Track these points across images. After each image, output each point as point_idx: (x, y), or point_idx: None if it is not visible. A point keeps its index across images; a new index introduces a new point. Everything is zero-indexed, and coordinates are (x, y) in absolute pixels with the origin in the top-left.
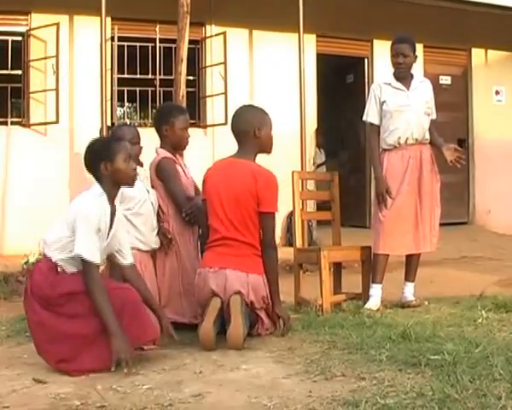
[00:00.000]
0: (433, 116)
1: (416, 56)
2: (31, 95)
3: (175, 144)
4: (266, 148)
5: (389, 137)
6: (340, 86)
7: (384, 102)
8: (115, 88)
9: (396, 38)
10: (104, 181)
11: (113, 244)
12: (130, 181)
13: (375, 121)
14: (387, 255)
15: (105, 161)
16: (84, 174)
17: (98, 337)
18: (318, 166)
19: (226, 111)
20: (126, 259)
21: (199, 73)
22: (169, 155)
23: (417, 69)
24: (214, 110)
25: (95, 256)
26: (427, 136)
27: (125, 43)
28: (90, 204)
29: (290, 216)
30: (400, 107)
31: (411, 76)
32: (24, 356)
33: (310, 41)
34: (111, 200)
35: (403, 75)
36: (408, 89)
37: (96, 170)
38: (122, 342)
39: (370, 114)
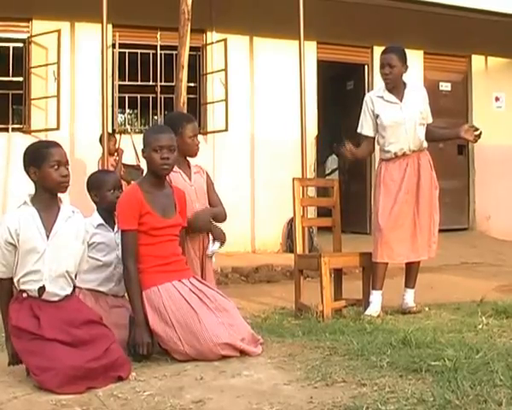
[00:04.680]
0: (429, 120)
1: (407, 67)
2: (32, 101)
3: (184, 152)
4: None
5: (386, 150)
6: (341, 93)
7: (378, 115)
8: (116, 95)
9: (384, 49)
10: (36, 186)
11: (68, 247)
12: (58, 188)
13: (370, 134)
14: (387, 263)
15: (33, 166)
16: (84, 180)
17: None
18: (332, 171)
19: (227, 118)
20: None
21: (200, 80)
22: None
23: (417, 76)
24: (215, 117)
25: None
26: (425, 144)
27: (127, 50)
28: (4, 219)
29: (291, 222)
30: (395, 121)
31: (404, 85)
32: None
33: (310, 48)
34: (42, 204)
35: (391, 86)
36: (401, 100)
37: (28, 174)
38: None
39: (365, 127)
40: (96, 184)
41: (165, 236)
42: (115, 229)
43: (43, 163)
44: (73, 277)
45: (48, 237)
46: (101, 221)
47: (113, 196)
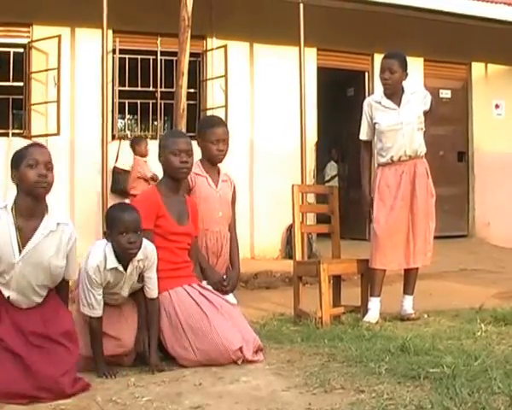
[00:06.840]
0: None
1: (407, 74)
2: (32, 106)
3: (208, 158)
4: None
5: (383, 155)
6: (341, 100)
7: (376, 122)
8: (116, 100)
9: (386, 54)
10: (17, 190)
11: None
12: (34, 189)
13: (367, 138)
14: (384, 269)
15: (13, 168)
16: (85, 185)
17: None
18: (331, 177)
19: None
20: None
21: (200, 86)
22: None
23: (417, 83)
24: None
25: None
26: (422, 150)
27: (127, 56)
28: None
29: (290, 229)
30: (392, 126)
31: (402, 90)
32: None
33: (310, 54)
34: (23, 211)
35: (390, 92)
36: (399, 105)
37: (12, 180)
38: None
39: (363, 132)
40: (108, 222)
41: (180, 243)
42: (128, 270)
43: (21, 163)
44: (48, 286)
45: (20, 252)
46: (116, 264)
47: (125, 242)
